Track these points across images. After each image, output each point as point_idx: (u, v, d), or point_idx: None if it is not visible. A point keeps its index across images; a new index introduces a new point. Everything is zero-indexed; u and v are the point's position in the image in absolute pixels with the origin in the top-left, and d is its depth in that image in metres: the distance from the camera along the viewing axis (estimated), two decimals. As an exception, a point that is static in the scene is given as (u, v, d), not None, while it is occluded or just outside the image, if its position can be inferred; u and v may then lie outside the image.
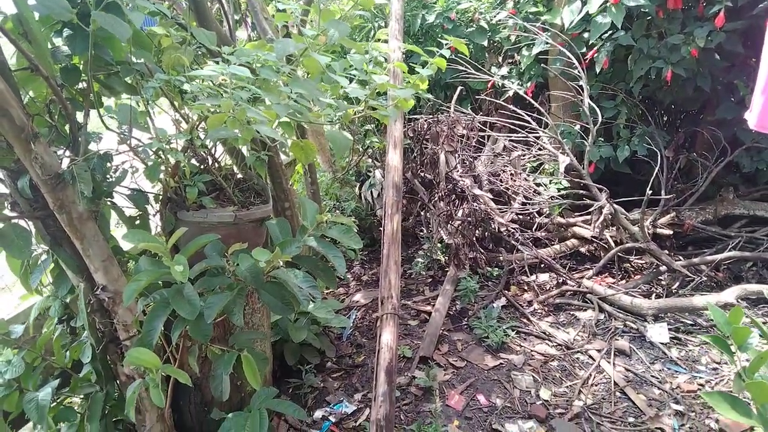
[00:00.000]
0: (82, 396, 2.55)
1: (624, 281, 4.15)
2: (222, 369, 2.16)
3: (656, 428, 2.71)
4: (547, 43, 4.47)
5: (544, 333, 3.62)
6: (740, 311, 1.85)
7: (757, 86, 2.81)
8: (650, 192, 3.64)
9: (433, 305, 3.96)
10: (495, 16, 5.07)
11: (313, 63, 2.09)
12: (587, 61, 4.30)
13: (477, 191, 4.28)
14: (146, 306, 2.16)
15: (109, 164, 2.26)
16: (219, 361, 2.20)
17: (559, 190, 4.46)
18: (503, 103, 4.83)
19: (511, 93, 4.94)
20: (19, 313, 2.57)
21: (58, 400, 2.52)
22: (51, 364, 2.49)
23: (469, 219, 4.20)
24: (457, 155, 4.60)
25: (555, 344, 3.50)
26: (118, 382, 2.50)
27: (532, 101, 4.59)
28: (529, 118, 4.52)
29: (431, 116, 4.84)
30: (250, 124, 1.83)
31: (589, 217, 4.43)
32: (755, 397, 1.65)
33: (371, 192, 5.18)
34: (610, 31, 4.14)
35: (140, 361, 1.92)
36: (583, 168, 4.17)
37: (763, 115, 2.74)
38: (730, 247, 4.00)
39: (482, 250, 4.31)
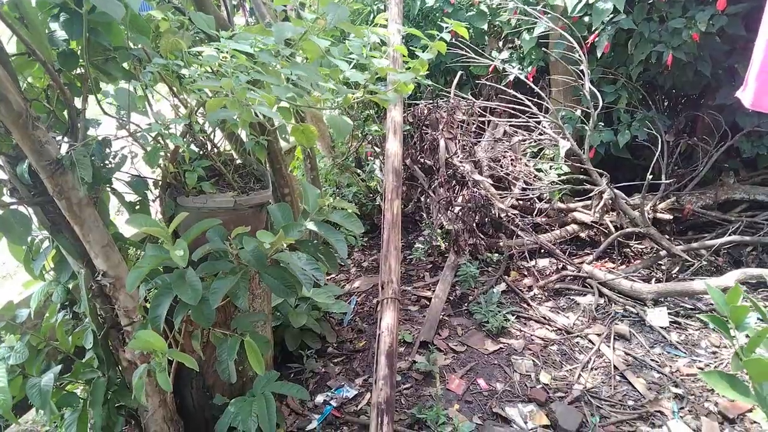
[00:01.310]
0: (84, 381, 2.56)
1: (624, 266, 4.16)
2: (227, 354, 2.17)
3: (656, 411, 2.73)
4: (548, 26, 4.43)
5: (544, 318, 3.63)
6: (738, 290, 1.85)
7: (752, 64, 2.78)
8: (650, 177, 3.64)
9: (434, 291, 3.97)
10: None
11: (312, 47, 2.08)
12: (588, 45, 4.27)
13: (477, 177, 4.28)
14: (148, 292, 2.17)
15: (108, 150, 2.25)
16: (223, 345, 2.20)
17: (559, 175, 4.45)
18: (504, 87, 4.81)
19: (511, 78, 4.91)
20: (23, 299, 2.58)
21: (61, 386, 2.53)
22: (54, 350, 2.50)
23: (469, 205, 4.20)
24: (456, 141, 4.59)
25: (555, 329, 3.51)
26: (119, 367, 2.51)
27: (533, 86, 4.57)
28: (529, 103, 4.50)
29: (431, 102, 4.82)
30: (250, 105, 1.83)
31: (589, 202, 4.43)
32: (753, 376, 1.66)
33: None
34: (612, 15, 4.11)
35: (147, 345, 1.92)
36: (584, 153, 4.16)
37: (760, 93, 2.71)
38: (730, 231, 4.01)
39: (482, 236, 4.31)
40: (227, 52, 1.80)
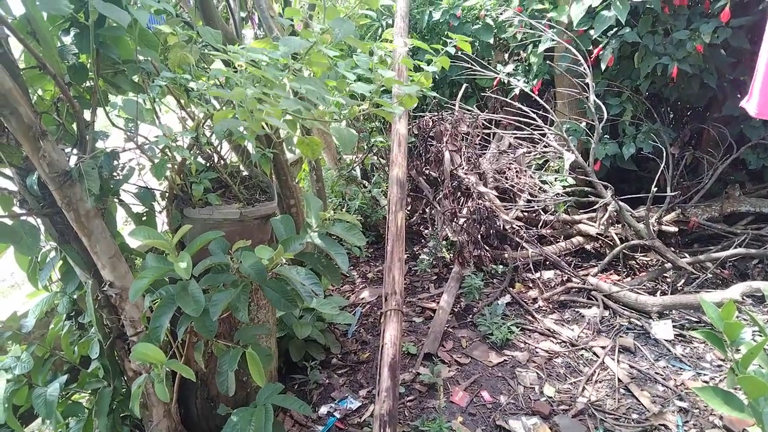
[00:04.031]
0: (90, 391, 2.57)
1: (629, 278, 4.16)
2: (227, 365, 2.18)
3: (660, 425, 2.72)
4: (553, 40, 4.47)
5: (549, 330, 3.63)
6: (732, 306, 1.85)
7: (757, 73, 2.81)
8: (656, 189, 3.64)
9: (438, 302, 3.97)
10: (501, 14, 5.06)
11: (320, 59, 2.10)
12: (593, 58, 4.29)
13: (482, 188, 4.29)
14: (153, 302, 2.19)
15: (116, 162, 2.28)
16: (224, 357, 2.22)
17: (564, 187, 4.46)
18: (509, 100, 4.84)
19: (517, 90, 4.94)
20: (29, 310, 2.60)
21: (67, 396, 2.55)
22: (60, 359, 2.52)
23: (474, 216, 4.21)
24: (461, 153, 4.61)
25: (559, 341, 3.51)
26: (125, 377, 2.53)
27: (538, 99, 4.59)
28: (534, 116, 4.52)
29: (436, 114, 4.86)
30: (259, 114, 1.85)
31: (594, 214, 4.43)
32: (747, 392, 1.65)
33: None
34: (616, 28, 4.14)
35: (146, 357, 1.94)
36: (589, 165, 4.17)
37: (764, 102, 2.75)
38: (735, 244, 4.00)
39: (487, 248, 4.31)
40: (239, 64, 1.82)
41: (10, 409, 2.27)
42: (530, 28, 4.66)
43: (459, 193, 4.51)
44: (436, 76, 5.33)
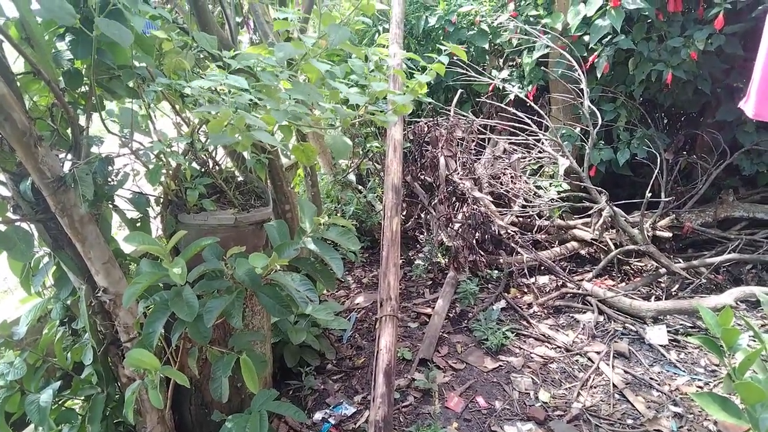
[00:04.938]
0: (83, 398, 2.56)
1: (623, 284, 4.16)
2: (221, 371, 2.18)
3: (654, 430, 2.72)
4: (548, 46, 4.48)
5: (544, 335, 3.63)
6: (730, 312, 1.86)
7: (754, 74, 2.85)
8: (650, 194, 3.65)
9: (433, 307, 3.97)
10: (496, 19, 5.09)
11: (313, 69, 2.11)
12: (588, 64, 4.31)
13: (477, 194, 4.29)
14: (147, 308, 2.18)
15: (110, 167, 2.28)
16: (218, 363, 2.21)
17: (559, 192, 4.47)
18: (504, 106, 4.85)
19: (512, 96, 4.95)
20: (21, 316, 2.59)
21: (60, 402, 2.53)
22: (53, 366, 2.51)
23: (469, 222, 4.22)
24: (456, 159, 4.62)
25: (554, 346, 3.51)
26: (119, 384, 2.51)
27: (533, 104, 4.60)
28: (529, 121, 4.53)
29: (431, 119, 4.86)
30: (250, 130, 1.85)
31: (589, 219, 4.44)
32: (744, 398, 1.66)
33: None
34: (611, 35, 4.16)
35: (140, 363, 1.93)
36: (583, 170, 4.18)
37: (761, 102, 2.79)
38: (729, 249, 4.01)
39: (482, 253, 4.32)
40: (224, 85, 1.82)
41: (2, 415, 2.25)
42: (525, 34, 4.67)
43: (454, 199, 4.51)
44: (431, 82, 5.36)
